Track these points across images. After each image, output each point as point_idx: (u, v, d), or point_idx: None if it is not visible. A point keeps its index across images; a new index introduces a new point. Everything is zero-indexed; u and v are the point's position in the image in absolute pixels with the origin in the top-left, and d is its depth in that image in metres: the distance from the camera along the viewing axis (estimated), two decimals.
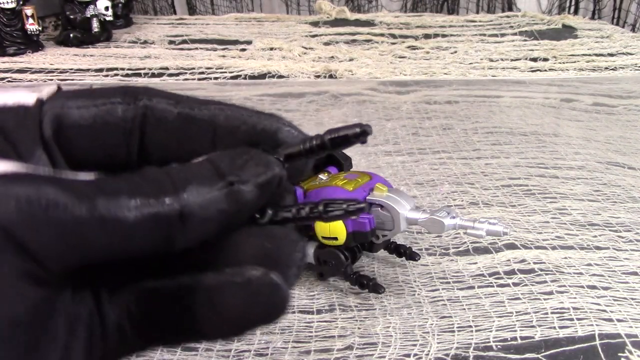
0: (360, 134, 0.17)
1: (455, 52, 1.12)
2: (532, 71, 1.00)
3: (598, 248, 0.41)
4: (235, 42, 1.19)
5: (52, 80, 0.91)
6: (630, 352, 0.30)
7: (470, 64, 1.04)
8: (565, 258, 0.39)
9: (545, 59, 1.06)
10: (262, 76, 0.96)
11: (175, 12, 1.69)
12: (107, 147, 0.16)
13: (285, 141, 0.17)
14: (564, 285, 0.36)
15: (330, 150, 0.17)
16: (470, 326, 0.32)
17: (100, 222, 0.13)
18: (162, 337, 0.17)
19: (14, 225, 0.12)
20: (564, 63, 1.04)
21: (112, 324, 0.15)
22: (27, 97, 0.16)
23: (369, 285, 0.34)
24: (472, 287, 0.36)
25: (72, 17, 1.12)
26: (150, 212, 0.13)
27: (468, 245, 0.41)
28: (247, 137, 0.17)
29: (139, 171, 0.15)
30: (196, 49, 1.14)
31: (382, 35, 1.25)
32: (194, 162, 0.16)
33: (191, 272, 0.15)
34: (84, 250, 0.13)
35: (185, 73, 0.95)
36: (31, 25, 1.05)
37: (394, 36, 1.24)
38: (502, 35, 1.26)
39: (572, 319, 0.32)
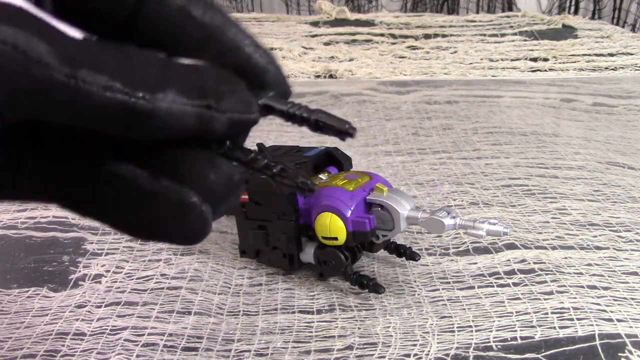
0: (345, 132, 0.17)
1: (455, 52, 1.12)
2: (532, 71, 1.00)
3: (598, 248, 0.41)
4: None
5: None
6: (630, 352, 0.30)
7: (470, 64, 1.04)
8: (565, 258, 0.39)
9: (545, 59, 1.06)
10: None
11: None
12: (99, 8, 0.15)
13: (270, 86, 0.17)
14: (564, 285, 0.36)
15: (311, 128, 0.17)
16: (470, 326, 0.32)
17: (73, 91, 0.13)
18: (53, 196, 0.16)
19: None
20: (564, 63, 1.04)
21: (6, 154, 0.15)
22: None
23: (369, 285, 0.34)
24: (472, 287, 0.36)
25: None
26: (122, 100, 0.13)
27: (468, 245, 0.41)
28: (236, 64, 0.16)
29: (128, 48, 0.14)
30: None
31: (382, 35, 1.25)
32: (183, 61, 0.15)
33: (124, 161, 0.15)
34: (43, 110, 0.13)
35: None
36: None
37: (394, 36, 1.24)
38: (502, 35, 1.26)
39: (572, 319, 0.32)
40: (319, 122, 0.17)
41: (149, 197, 0.15)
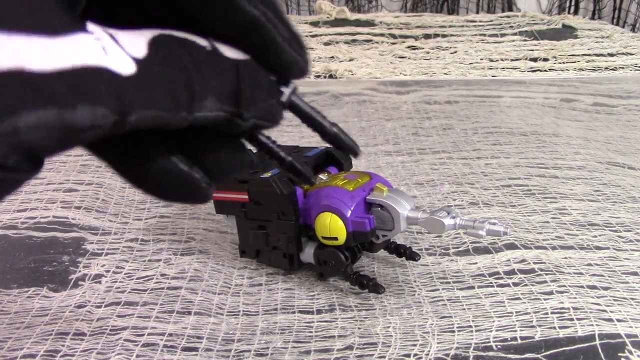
0: (352, 153, 0.21)
1: (455, 52, 1.12)
2: (532, 71, 1.00)
3: (598, 248, 0.41)
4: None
5: None
6: (630, 352, 0.30)
7: (470, 64, 1.04)
8: (565, 258, 0.39)
9: (545, 59, 1.06)
10: None
11: None
12: None
13: (294, 77, 0.19)
14: (564, 285, 0.36)
15: (324, 138, 0.20)
16: (470, 326, 0.32)
17: (120, 127, 0.14)
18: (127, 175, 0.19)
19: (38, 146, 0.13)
20: (564, 63, 1.04)
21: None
22: None
23: (369, 285, 0.34)
24: (472, 287, 0.36)
25: None
26: (166, 121, 0.15)
27: (468, 245, 0.41)
28: (269, 58, 0.18)
29: (176, 66, 0.16)
30: None
31: (382, 35, 1.25)
32: (225, 52, 0.17)
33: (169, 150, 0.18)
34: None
35: None
36: None
37: (394, 36, 1.24)
38: (502, 35, 1.26)
39: (572, 319, 0.32)
40: (336, 137, 0.20)
41: (172, 174, 0.18)
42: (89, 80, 0.13)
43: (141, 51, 0.15)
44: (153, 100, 0.15)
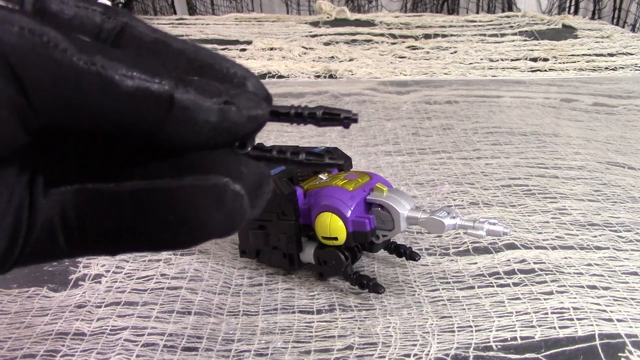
0: (349, 119, 0.18)
1: (455, 52, 1.12)
2: (532, 71, 1.00)
3: (598, 248, 0.41)
4: (235, 42, 1.19)
5: None
6: (630, 352, 0.30)
7: (470, 64, 1.04)
8: (565, 258, 0.39)
9: (545, 59, 1.06)
10: (262, 76, 0.96)
11: (175, 12, 1.69)
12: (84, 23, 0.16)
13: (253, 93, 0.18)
14: (564, 285, 0.36)
15: (318, 122, 0.18)
16: (470, 326, 0.32)
17: (95, 77, 0.13)
18: (97, 244, 0.16)
19: (13, 50, 0.12)
20: (564, 63, 1.04)
21: (42, 221, 0.15)
22: None
23: (369, 285, 0.34)
24: (472, 287, 0.36)
25: None
26: (145, 86, 0.14)
27: (468, 245, 0.41)
28: (218, 78, 0.17)
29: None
30: None
31: (382, 35, 1.25)
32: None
33: (147, 179, 0.16)
34: (72, 101, 0.13)
35: None
36: None
37: (394, 36, 1.24)
38: (502, 35, 1.26)
39: (572, 319, 0.32)
40: (326, 115, 0.18)
41: (180, 192, 0.15)
42: None
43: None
44: (118, 55, 0.13)
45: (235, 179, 0.16)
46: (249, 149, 0.17)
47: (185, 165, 0.16)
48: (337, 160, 0.18)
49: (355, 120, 0.18)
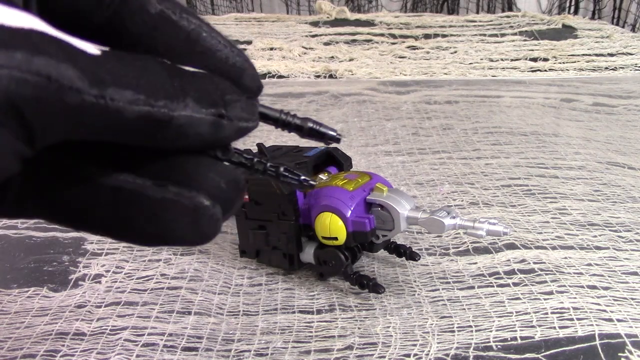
0: (333, 139, 0.19)
1: (455, 52, 1.12)
2: (532, 71, 1.00)
3: (598, 248, 0.41)
4: (235, 42, 1.19)
5: None
6: (630, 352, 0.30)
7: (470, 64, 1.04)
8: (565, 258, 0.39)
9: (545, 59, 1.06)
10: (262, 76, 0.96)
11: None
12: (82, 9, 0.16)
13: (247, 85, 0.18)
14: (564, 285, 0.36)
15: (302, 135, 0.19)
16: (470, 326, 0.32)
17: (102, 110, 0.13)
18: (58, 217, 0.16)
19: (27, 103, 0.12)
20: (564, 63, 1.04)
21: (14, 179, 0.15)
22: None
23: (369, 285, 0.34)
24: (472, 287, 0.36)
25: None
26: (147, 112, 0.14)
27: (468, 245, 0.41)
28: (216, 66, 0.17)
29: (140, 57, 0.15)
30: None
31: (382, 35, 1.25)
32: (193, 71, 0.16)
33: (125, 172, 0.16)
34: (75, 131, 0.13)
35: None
36: None
37: (394, 36, 1.24)
38: (502, 35, 1.26)
39: (572, 319, 0.32)
40: (314, 130, 0.19)
41: (159, 206, 0.16)
42: (45, 41, 0.12)
43: (93, 49, 0.14)
44: (127, 79, 0.14)
45: (215, 197, 0.16)
46: (231, 153, 0.17)
47: (168, 167, 0.16)
48: (310, 182, 0.19)
49: (338, 141, 0.19)
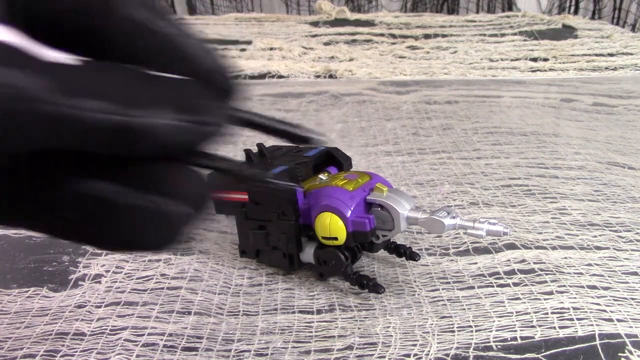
0: (301, 140, 0.19)
1: (455, 52, 1.12)
2: (532, 71, 1.00)
3: (598, 248, 0.41)
4: (235, 42, 1.19)
5: None
6: (630, 352, 0.30)
7: (470, 64, 1.04)
8: (565, 258, 0.39)
9: (545, 59, 1.06)
10: (262, 76, 0.96)
11: (175, 12, 1.69)
12: (65, 18, 0.16)
13: (227, 90, 0.18)
14: (564, 285, 0.36)
15: (268, 134, 0.19)
16: (470, 326, 0.32)
17: (74, 120, 0.13)
18: (21, 220, 0.16)
19: (4, 125, 0.12)
20: (564, 63, 1.04)
21: None
22: None
23: (369, 285, 0.34)
24: (472, 287, 0.36)
25: None
26: (119, 121, 0.14)
27: (468, 245, 0.41)
28: (196, 71, 0.17)
29: (114, 65, 0.15)
30: None
31: (382, 35, 1.25)
32: (167, 76, 0.16)
33: (102, 179, 0.16)
34: (38, 140, 0.13)
35: None
36: None
37: (394, 36, 1.24)
38: (502, 35, 1.26)
39: (572, 319, 0.32)
40: (277, 130, 0.19)
41: (129, 212, 0.16)
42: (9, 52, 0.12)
43: (70, 60, 0.14)
44: (98, 88, 0.13)
45: (184, 202, 0.16)
46: (199, 158, 0.17)
47: (138, 173, 0.16)
48: (293, 186, 0.19)
49: (306, 143, 0.19)
